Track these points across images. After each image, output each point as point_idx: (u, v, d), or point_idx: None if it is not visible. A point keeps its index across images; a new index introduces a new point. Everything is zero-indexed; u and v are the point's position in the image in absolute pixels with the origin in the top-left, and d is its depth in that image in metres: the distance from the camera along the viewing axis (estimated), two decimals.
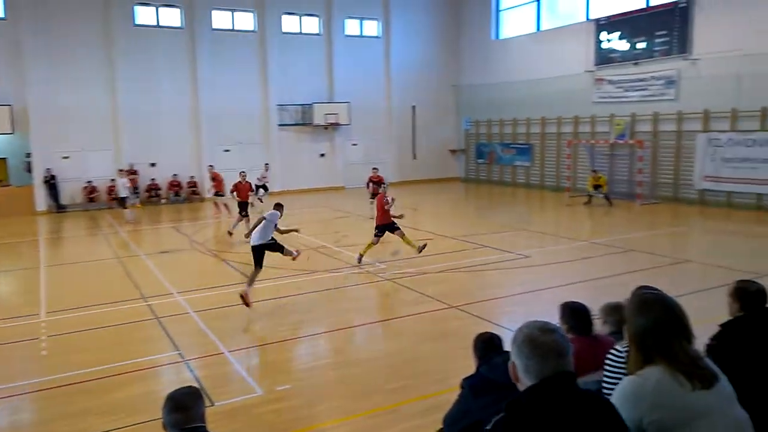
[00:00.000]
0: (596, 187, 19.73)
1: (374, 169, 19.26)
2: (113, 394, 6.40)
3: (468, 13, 28.50)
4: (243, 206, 16.06)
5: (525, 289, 9.87)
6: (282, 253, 9.81)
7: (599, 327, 4.15)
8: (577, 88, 22.54)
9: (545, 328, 2.11)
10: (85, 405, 6.16)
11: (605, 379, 2.97)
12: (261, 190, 20.83)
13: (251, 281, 9.34)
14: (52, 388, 6.64)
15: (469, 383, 3.43)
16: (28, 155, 22.02)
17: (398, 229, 12.08)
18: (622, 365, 2.85)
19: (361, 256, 11.94)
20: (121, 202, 19.17)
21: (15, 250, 15.40)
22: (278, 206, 10.08)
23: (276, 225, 9.77)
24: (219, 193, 18.80)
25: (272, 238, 9.74)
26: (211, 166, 20.27)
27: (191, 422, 2.81)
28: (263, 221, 9.58)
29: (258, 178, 20.79)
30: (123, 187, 19.00)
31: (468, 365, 6.56)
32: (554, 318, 3.84)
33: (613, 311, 4.17)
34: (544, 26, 24.95)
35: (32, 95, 21.33)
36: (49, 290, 10.93)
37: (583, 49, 22.39)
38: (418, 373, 6.69)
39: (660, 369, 2.30)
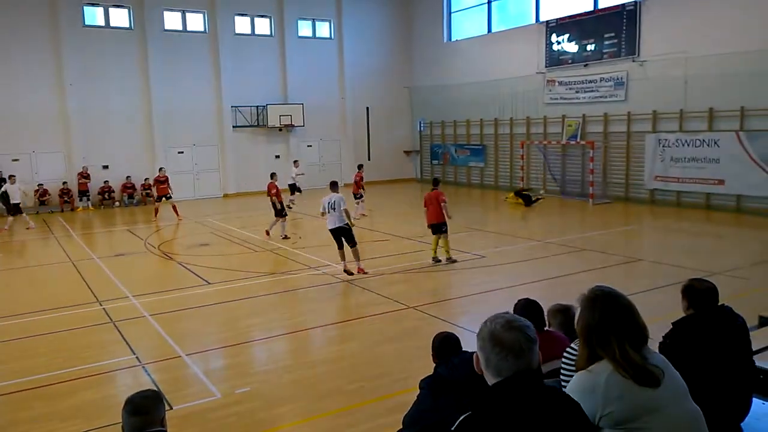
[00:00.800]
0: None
1: (359, 166, 19.54)
2: (69, 400, 6.31)
3: (419, 16, 28.80)
4: (281, 207, 15.41)
5: (481, 289, 10.08)
6: (349, 242, 11.02)
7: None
8: (529, 89, 23.11)
9: (510, 325, 2.07)
10: (40, 411, 6.06)
11: (562, 376, 3.02)
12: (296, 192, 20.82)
13: (344, 257, 11.06)
14: (5, 394, 6.50)
15: (427, 383, 3.50)
16: None
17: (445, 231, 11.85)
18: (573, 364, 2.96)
19: (449, 257, 11.86)
20: (15, 208, 17.94)
21: None
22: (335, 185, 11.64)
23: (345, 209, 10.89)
24: (168, 196, 19.26)
25: (346, 222, 10.97)
26: (161, 168, 20.26)
27: (151, 426, 2.82)
28: (334, 207, 10.87)
29: (292, 177, 20.72)
30: (15, 193, 17.91)
31: (427, 365, 6.74)
32: None
33: (558, 313, 4.40)
34: (495, 28, 25.45)
35: None
36: None
37: (534, 50, 22.97)
38: (377, 373, 6.79)
39: (609, 364, 2.33)
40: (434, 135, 28.45)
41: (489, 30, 25.62)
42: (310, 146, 27.42)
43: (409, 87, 29.30)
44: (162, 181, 19.32)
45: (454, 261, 11.90)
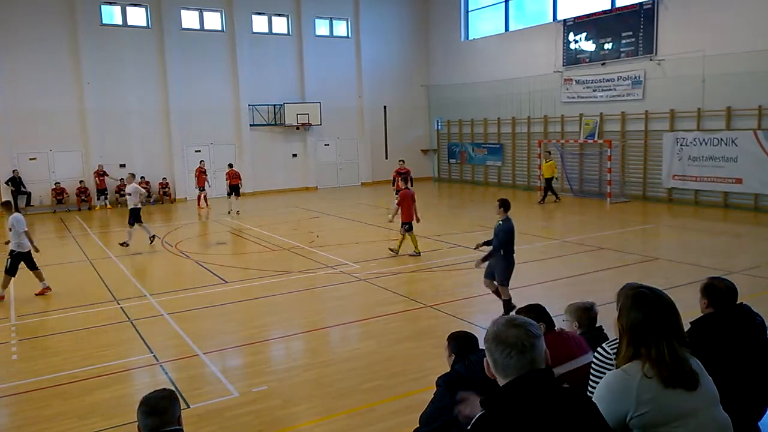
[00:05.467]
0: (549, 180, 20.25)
1: (401, 161, 19.41)
2: (87, 398, 6.34)
3: (437, 15, 28.68)
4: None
5: None
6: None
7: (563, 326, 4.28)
8: (547, 88, 22.92)
9: (510, 324, 2.10)
10: (59, 409, 6.10)
11: (591, 377, 2.99)
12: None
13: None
14: (24, 392, 6.55)
15: (444, 381, 3.48)
16: None
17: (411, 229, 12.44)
18: (611, 363, 2.87)
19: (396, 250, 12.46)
20: (135, 215, 14.79)
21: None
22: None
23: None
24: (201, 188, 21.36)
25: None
26: (202, 161, 22.35)
27: (167, 425, 2.80)
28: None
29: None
30: (135, 195, 14.95)
31: (444, 364, 6.69)
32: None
33: (582, 311, 4.30)
34: (512, 27, 25.28)
35: None
36: (18, 293, 10.70)
37: (551, 49, 22.77)
38: (394, 372, 6.75)
39: (644, 365, 2.31)
40: (451, 134, 28.33)
41: (506, 29, 25.45)
42: (328, 145, 27.44)
43: (427, 86, 29.20)
44: (203, 172, 21.61)
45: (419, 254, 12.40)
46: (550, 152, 21.18)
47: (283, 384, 6.58)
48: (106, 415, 5.90)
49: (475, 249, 8.88)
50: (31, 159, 21.69)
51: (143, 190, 15.44)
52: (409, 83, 28.74)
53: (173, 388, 5.63)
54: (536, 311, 4.00)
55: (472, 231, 15.21)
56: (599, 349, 3.04)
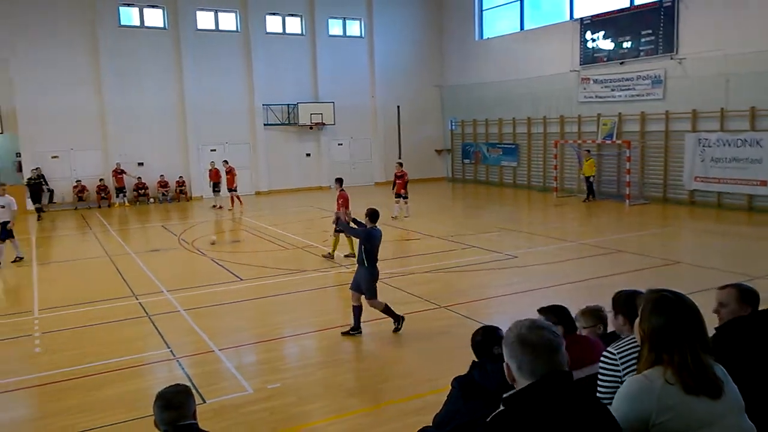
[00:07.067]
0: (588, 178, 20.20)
1: (398, 163, 19.09)
2: (105, 391, 6.46)
3: (450, 14, 28.56)
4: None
5: (513, 290, 9.95)
6: None
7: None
8: (563, 87, 22.74)
9: (534, 326, 2.12)
10: (78, 401, 6.23)
11: (599, 381, 2.96)
12: None
13: None
14: (46, 384, 6.71)
15: (459, 383, 3.45)
16: (18, 155, 21.92)
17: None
18: (616, 367, 2.88)
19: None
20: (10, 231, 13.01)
21: (7, 248, 15.27)
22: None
23: None
24: (231, 188, 20.93)
25: None
26: (225, 161, 21.57)
27: (183, 419, 2.86)
28: None
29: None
30: (9, 209, 12.94)
31: (457, 365, 6.69)
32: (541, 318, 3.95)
33: (589, 315, 4.24)
34: (527, 26, 25.10)
35: (20, 95, 21.22)
36: (41, 288, 10.93)
37: (568, 48, 22.58)
38: (406, 372, 6.77)
39: (666, 371, 2.27)
40: (466, 134, 28.24)
41: (521, 27, 25.30)
42: (341, 145, 27.53)
43: (440, 85, 29.15)
44: (228, 172, 21.10)
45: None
46: (588, 151, 20.95)
47: (297, 382, 6.63)
48: (123, 409, 6.01)
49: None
50: (53, 157, 22.07)
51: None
52: (423, 83, 28.70)
53: (189, 383, 5.73)
54: (557, 313, 3.93)
55: (487, 232, 15.19)
56: (606, 351, 3.01)
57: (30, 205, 20.88)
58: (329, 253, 12.59)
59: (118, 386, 6.59)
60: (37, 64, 21.44)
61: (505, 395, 2.11)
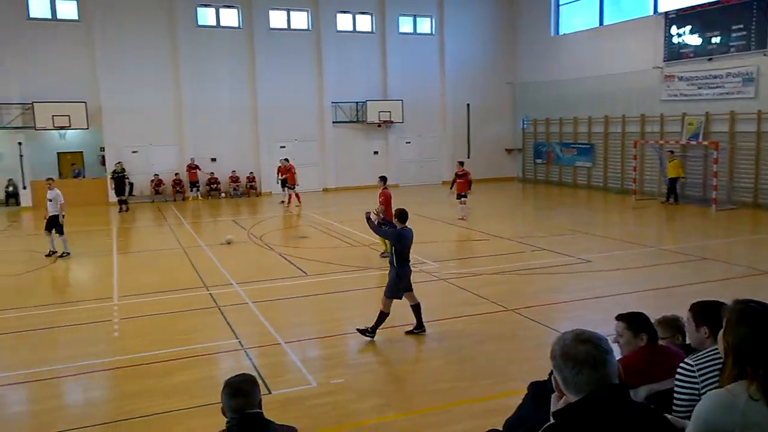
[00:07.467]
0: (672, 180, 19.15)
1: (459, 162, 18.29)
2: (175, 377, 6.67)
3: (525, 9, 27.86)
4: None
5: (585, 295, 9.55)
6: None
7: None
8: (644, 85, 21.63)
9: (577, 339, 2.03)
10: (151, 385, 6.47)
11: (675, 394, 2.86)
12: None
13: None
14: (120, 367, 7.00)
15: (533, 388, 3.29)
16: (102, 149, 23.26)
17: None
18: (694, 380, 2.79)
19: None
20: (53, 223, 13.02)
21: (90, 238, 16.22)
22: None
23: None
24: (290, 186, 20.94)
25: None
26: (285, 159, 21.82)
27: (250, 407, 2.89)
28: None
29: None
30: (56, 203, 12.99)
31: (525, 370, 6.46)
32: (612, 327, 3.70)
33: (665, 325, 4.02)
34: (607, 21, 24.12)
35: (104, 92, 22.46)
36: (121, 276, 11.47)
37: (650, 44, 21.47)
38: (471, 375, 6.60)
39: (750, 386, 2.16)
40: (538, 133, 27.45)
41: (600, 23, 24.32)
42: (409, 143, 27.44)
43: (513, 83, 28.49)
44: (288, 170, 21.27)
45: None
46: (672, 152, 19.89)
47: (360, 378, 6.60)
48: (190, 395, 6.17)
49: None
50: (133, 152, 23.24)
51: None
52: (494, 80, 28.14)
53: (256, 374, 5.80)
54: (637, 320, 3.68)
55: (560, 234, 14.65)
56: (683, 363, 2.90)
57: (113, 197, 22.03)
58: (383, 252, 12.44)
59: (189, 373, 6.77)
60: (121, 62, 22.59)
61: (554, 409, 2.07)
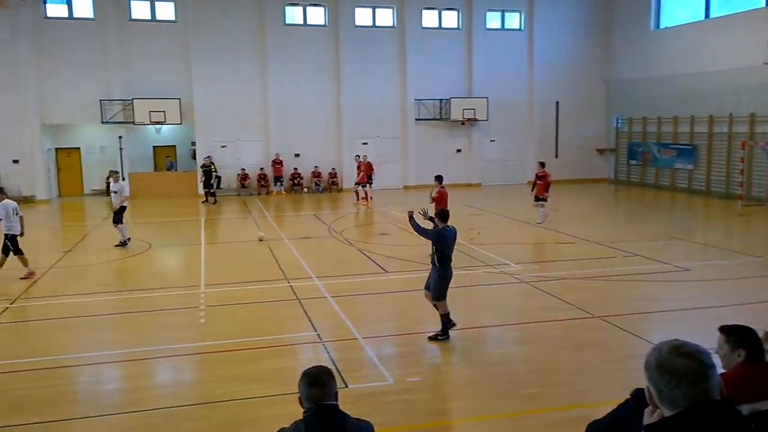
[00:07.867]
0: None
1: (540, 163, 17.13)
2: (255, 365, 6.86)
3: (623, 2, 26.43)
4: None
5: (681, 306, 8.91)
6: None
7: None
8: (755, 82, 19.89)
9: (676, 351, 1.90)
10: (233, 371, 6.68)
11: None
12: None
13: None
14: (204, 353, 7.27)
15: (635, 396, 3.10)
16: (193, 144, 24.49)
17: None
18: None
19: None
20: (119, 215, 13.59)
21: (180, 228, 17.10)
22: None
23: None
24: (361, 183, 20.88)
25: None
26: (360, 156, 21.93)
27: (327, 398, 2.89)
28: None
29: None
30: (121, 194, 13.61)
31: (610, 381, 6.07)
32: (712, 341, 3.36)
33: None
34: (713, 13, 22.44)
35: (197, 89, 23.54)
36: (207, 265, 11.98)
37: (762, 38, 19.69)
38: (553, 382, 6.31)
39: None
40: (633, 132, 25.98)
41: (706, 15, 22.64)
42: (493, 141, 26.83)
43: (607, 80, 27.13)
44: (359, 167, 21.16)
45: None
46: None
47: (436, 378, 6.51)
48: (271, 383, 6.31)
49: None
50: (222, 147, 24.29)
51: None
52: (586, 77, 26.92)
53: (333, 367, 5.81)
54: (741, 334, 3.33)
55: (654, 240, 13.75)
56: None
57: (200, 189, 23.10)
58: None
59: (269, 362, 6.93)
60: (212, 60, 23.60)
61: (646, 422, 1.97)
